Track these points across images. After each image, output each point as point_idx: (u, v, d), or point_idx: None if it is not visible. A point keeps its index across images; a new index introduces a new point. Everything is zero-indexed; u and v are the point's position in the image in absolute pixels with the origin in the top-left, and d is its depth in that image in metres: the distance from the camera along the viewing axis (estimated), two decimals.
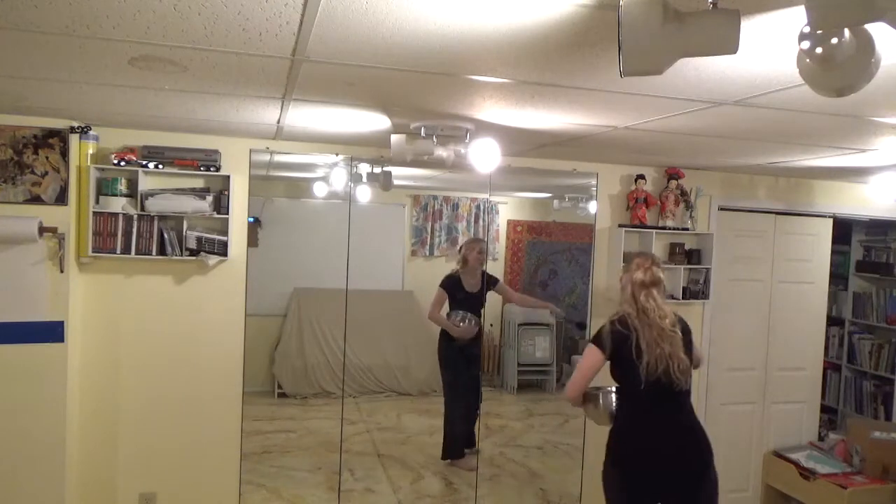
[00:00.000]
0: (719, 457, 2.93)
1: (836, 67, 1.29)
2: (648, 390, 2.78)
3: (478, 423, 4.84)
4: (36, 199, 3.32)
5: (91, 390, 3.61)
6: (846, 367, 5.80)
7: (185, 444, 3.76)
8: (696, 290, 4.34)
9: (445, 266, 5.72)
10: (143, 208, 3.50)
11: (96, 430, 3.64)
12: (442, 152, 3.00)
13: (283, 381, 5.44)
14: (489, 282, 4.83)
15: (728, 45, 1.25)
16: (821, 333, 4.92)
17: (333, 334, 5.34)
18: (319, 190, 5.07)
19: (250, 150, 3.74)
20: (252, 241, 3.94)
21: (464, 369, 4.80)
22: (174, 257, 3.56)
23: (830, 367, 5.76)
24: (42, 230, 3.27)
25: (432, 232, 5.79)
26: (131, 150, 3.53)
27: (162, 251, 3.55)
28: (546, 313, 5.70)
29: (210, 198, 3.61)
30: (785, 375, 4.78)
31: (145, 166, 3.52)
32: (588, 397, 3.00)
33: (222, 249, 3.65)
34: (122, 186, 3.52)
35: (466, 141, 3.03)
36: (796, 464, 4.51)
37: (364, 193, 4.56)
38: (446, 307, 4.83)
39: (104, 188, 3.50)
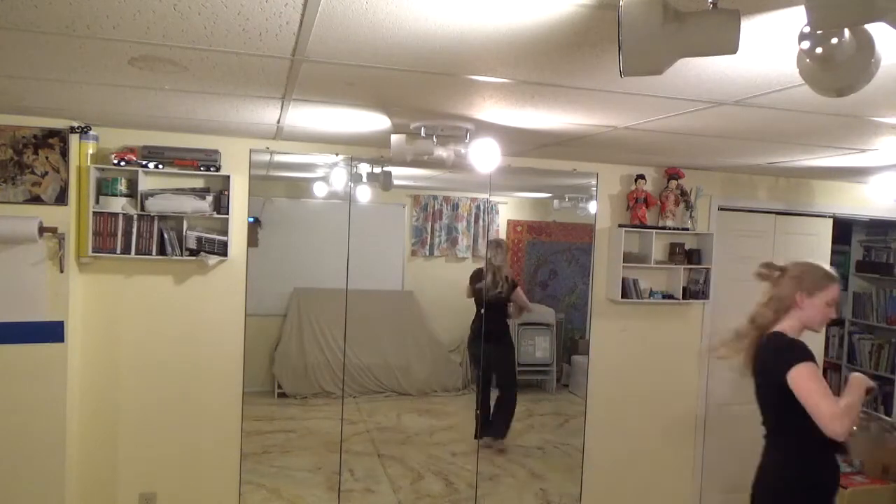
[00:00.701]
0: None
1: (836, 67, 1.29)
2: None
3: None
4: (36, 199, 3.32)
5: (91, 390, 3.61)
6: (846, 367, 5.80)
7: (185, 444, 3.77)
8: (696, 290, 4.35)
9: (445, 266, 5.73)
10: (143, 208, 3.50)
11: (96, 430, 3.64)
12: (442, 152, 2.99)
13: (283, 381, 5.44)
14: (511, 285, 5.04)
15: (728, 45, 1.25)
16: (821, 333, 4.92)
17: (333, 334, 5.33)
18: (319, 190, 5.06)
19: (250, 150, 3.75)
20: (252, 241, 3.94)
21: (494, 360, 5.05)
22: (174, 257, 3.56)
23: (830, 367, 5.76)
24: (42, 230, 3.27)
25: (432, 232, 5.78)
26: (131, 150, 3.53)
27: (162, 251, 3.55)
28: (546, 313, 5.70)
29: (210, 198, 3.61)
30: None
31: (145, 166, 3.52)
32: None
33: (222, 249, 3.65)
34: (122, 186, 3.52)
35: (466, 141, 3.02)
36: None
37: (364, 193, 4.56)
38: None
39: (104, 188, 3.50)
